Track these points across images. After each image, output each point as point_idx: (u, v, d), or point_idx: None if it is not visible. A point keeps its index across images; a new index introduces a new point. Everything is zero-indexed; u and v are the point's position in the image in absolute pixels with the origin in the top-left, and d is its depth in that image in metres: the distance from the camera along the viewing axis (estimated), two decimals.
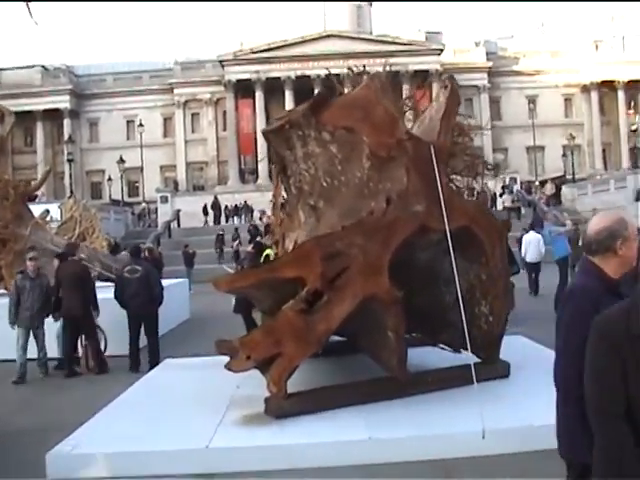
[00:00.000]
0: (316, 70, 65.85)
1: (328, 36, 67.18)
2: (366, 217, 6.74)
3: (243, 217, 52.30)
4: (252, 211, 53.34)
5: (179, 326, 16.75)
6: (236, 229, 40.05)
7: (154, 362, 11.11)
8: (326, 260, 6.24)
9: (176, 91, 70.75)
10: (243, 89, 67.68)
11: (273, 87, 66.96)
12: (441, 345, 8.04)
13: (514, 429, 5.87)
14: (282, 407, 6.37)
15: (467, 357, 7.61)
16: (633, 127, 59.66)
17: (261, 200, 56.53)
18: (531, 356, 8.32)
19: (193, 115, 72.16)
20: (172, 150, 70.79)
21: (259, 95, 67.62)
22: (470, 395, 6.50)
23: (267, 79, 67.02)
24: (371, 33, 69.64)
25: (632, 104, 66.15)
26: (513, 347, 8.26)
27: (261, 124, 66.72)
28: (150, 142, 66.63)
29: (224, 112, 70.61)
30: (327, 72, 61.38)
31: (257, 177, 66.94)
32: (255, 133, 66.79)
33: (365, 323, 6.63)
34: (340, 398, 6.73)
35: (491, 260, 7.11)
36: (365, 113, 7.07)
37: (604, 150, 69.41)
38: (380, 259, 6.38)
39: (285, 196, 8.82)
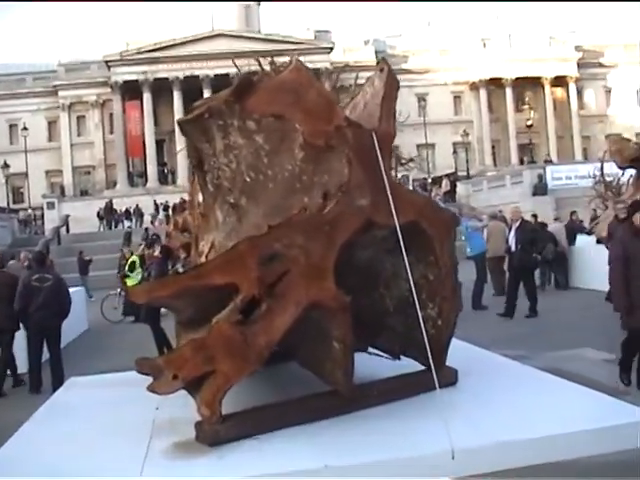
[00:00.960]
0: (205, 70, 64.98)
1: (216, 35, 66.31)
2: (305, 214, 5.99)
3: (135, 221, 50.79)
4: (142, 215, 51.95)
5: (78, 339, 15.58)
6: (146, 229, 38.56)
7: (58, 381, 10.03)
8: (263, 263, 5.47)
9: (61, 93, 68.24)
10: (130, 90, 65.89)
11: (161, 88, 65.48)
12: (375, 351, 7.38)
13: (483, 447, 5.25)
14: (217, 432, 5.56)
15: (408, 364, 6.99)
16: (529, 122, 61.29)
17: (150, 204, 55.52)
18: (470, 359, 7.77)
19: (79, 118, 69.78)
20: (58, 154, 68.20)
21: (147, 96, 66.02)
22: (425, 408, 5.86)
23: (155, 80, 65.49)
24: (259, 32, 68.92)
25: (526, 100, 67.98)
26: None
27: (149, 126, 65.36)
28: (35, 146, 64.04)
29: (111, 114, 68.65)
30: (215, 73, 60.41)
31: (146, 180, 65.34)
32: (143, 135, 65.35)
33: (305, 333, 5.90)
34: (284, 417, 5.98)
35: (440, 258, 6.50)
36: (296, 97, 6.34)
37: (493, 147, 71.08)
38: (324, 260, 5.66)
39: (200, 195, 7.96)
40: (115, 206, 52.69)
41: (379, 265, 6.80)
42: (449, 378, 7.27)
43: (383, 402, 6.43)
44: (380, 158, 6.22)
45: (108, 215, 50.86)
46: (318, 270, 5.67)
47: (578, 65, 75.23)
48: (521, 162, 61.05)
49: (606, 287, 17.32)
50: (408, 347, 7.10)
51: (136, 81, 65.11)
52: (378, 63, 7.61)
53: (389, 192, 6.06)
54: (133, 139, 66.12)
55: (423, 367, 7.06)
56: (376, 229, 6.20)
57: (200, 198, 8.08)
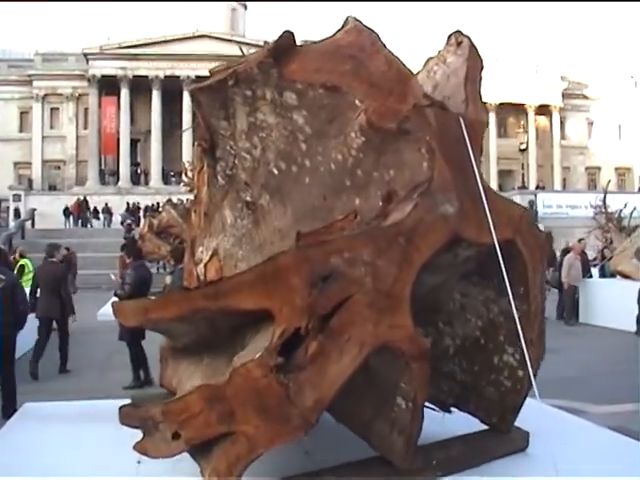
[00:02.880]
0: (186, 71, 63.38)
1: (200, 36, 64.70)
2: (374, 223, 4.43)
3: (104, 220, 48.96)
4: (112, 214, 50.15)
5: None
6: (129, 226, 36.44)
7: (10, 409, 8.22)
8: (315, 285, 3.86)
9: (35, 83, 66.02)
10: (108, 86, 64.02)
11: (140, 86, 63.68)
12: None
13: None
14: None
15: (457, 418, 5.43)
16: (522, 146, 61.17)
17: (121, 203, 53.51)
18: (528, 413, 6.13)
19: (52, 110, 67.60)
20: (28, 146, 65.92)
21: (125, 93, 64.17)
22: None
23: (134, 77, 63.64)
24: (245, 37, 67.35)
25: (521, 123, 67.54)
26: None
27: (125, 124, 63.57)
28: (4, 136, 61.96)
29: (86, 109, 66.58)
30: (197, 74, 58.93)
31: (118, 179, 63.42)
32: (118, 133, 63.48)
33: (358, 383, 4.26)
34: None
35: (531, 290, 4.91)
36: (357, 65, 4.80)
37: None
38: (398, 285, 4.08)
39: (205, 189, 6.30)
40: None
41: (444, 295, 5.19)
42: (520, 443, 5.70)
43: (444, 474, 4.85)
44: (471, 151, 4.65)
45: (82, 212, 48.97)
46: (390, 299, 4.04)
47: (562, 95, 74.76)
48: (500, 189, 59.93)
49: (620, 325, 16.13)
50: (468, 400, 5.52)
51: (114, 76, 63.21)
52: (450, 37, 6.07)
53: (484, 198, 4.49)
54: (107, 136, 64.08)
55: (484, 425, 5.50)
56: (462, 247, 4.61)
57: (204, 192, 6.43)
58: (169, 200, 24.35)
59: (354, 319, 3.88)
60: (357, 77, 4.75)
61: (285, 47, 4.93)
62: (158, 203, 47.95)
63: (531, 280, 4.93)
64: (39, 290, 11.84)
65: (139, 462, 4.96)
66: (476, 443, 5.19)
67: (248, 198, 5.87)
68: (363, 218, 4.78)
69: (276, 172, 5.47)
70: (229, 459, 3.85)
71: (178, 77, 63.47)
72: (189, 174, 25.72)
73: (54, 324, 12.04)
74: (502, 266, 4.37)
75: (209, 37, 64.60)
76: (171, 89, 63.04)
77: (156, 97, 64.35)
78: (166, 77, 63.77)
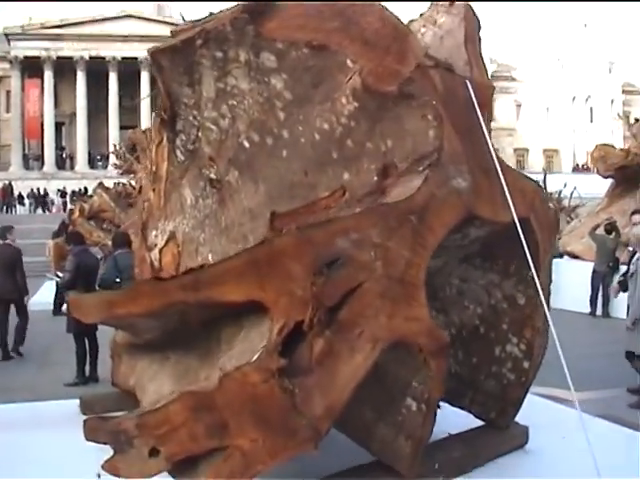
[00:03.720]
0: (112, 51, 61.64)
1: (126, 16, 62.85)
2: (367, 200, 3.90)
3: (30, 206, 47.27)
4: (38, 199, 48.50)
5: None
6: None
7: None
8: (320, 271, 3.28)
9: None
10: (31, 67, 61.77)
11: (64, 67, 61.70)
12: None
13: None
14: None
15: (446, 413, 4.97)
16: None
17: (46, 188, 51.74)
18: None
19: None
20: None
21: (48, 75, 62.02)
22: None
23: (58, 58, 61.47)
24: (172, 17, 65.75)
25: None
26: None
27: (49, 107, 61.59)
28: None
29: (8, 92, 64.03)
30: (123, 55, 57.32)
31: (43, 164, 61.34)
32: (42, 116, 61.43)
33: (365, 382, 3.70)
34: None
35: (540, 273, 4.41)
36: (347, 21, 4.24)
37: None
38: (412, 271, 3.55)
39: (165, 165, 5.64)
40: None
41: (441, 280, 4.65)
42: (519, 438, 5.22)
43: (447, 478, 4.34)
44: (481, 118, 4.13)
45: (7, 198, 47.12)
46: (403, 286, 3.46)
47: (491, 77, 75.19)
48: None
49: (573, 306, 15.86)
50: (462, 394, 5.03)
51: (38, 58, 61.02)
52: None
53: (499, 170, 3.97)
54: (31, 119, 61.87)
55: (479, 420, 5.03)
56: (474, 227, 4.07)
57: (164, 169, 5.75)
58: (100, 183, 23.31)
59: (365, 311, 3.33)
60: (347, 35, 4.17)
61: (262, 2, 4.33)
62: (85, 188, 46.52)
63: (542, 262, 4.44)
64: None
65: (99, 476, 4.35)
66: (476, 442, 4.72)
67: (212, 175, 5.26)
68: (353, 195, 4.23)
69: (247, 145, 4.86)
70: (221, 478, 3.26)
71: (104, 58, 61.73)
72: (121, 156, 24.73)
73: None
74: (525, 246, 3.86)
75: (136, 17, 62.90)
76: (96, 70, 61.23)
77: (81, 79, 62.39)
78: (91, 58, 61.86)
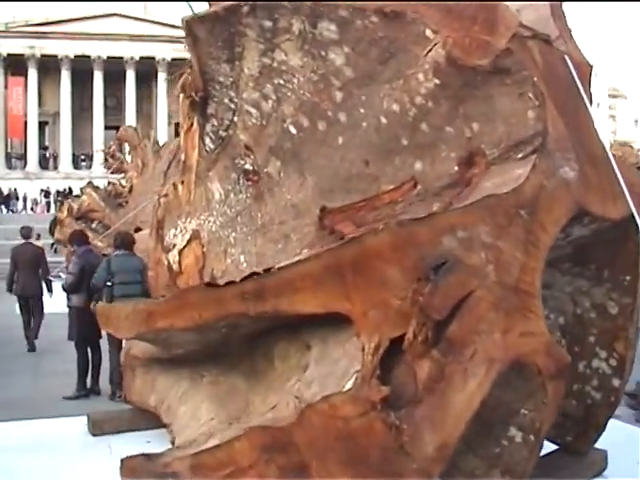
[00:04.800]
0: (97, 50, 60.68)
1: (112, 15, 61.86)
2: (447, 194, 3.31)
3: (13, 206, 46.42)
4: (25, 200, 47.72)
5: None
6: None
7: None
8: (425, 277, 2.66)
9: None
10: (14, 65, 60.62)
11: (49, 66, 60.58)
12: None
13: None
14: None
15: None
16: None
17: (30, 188, 50.68)
18: None
19: None
20: None
21: (32, 73, 60.85)
22: None
23: (42, 56, 60.35)
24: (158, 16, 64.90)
25: None
26: None
27: (32, 106, 60.60)
28: None
29: None
30: (109, 55, 56.50)
31: (26, 164, 60.29)
32: (25, 115, 60.37)
33: None
34: None
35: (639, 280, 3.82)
36: None
37: None
38: (527, 277, 2.97)
39: (196, 153, 5.00)
40: None
41: None
42: (598, 464, 4.60)
43: None
44: (586, 99, 3.53)
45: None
46: (518, 295, 2.81)
47: None
48: None
49: None
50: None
51: (22, 55, 59.84)
52: None
53: (612, 158, 3.38)
54: (14, 118, 60.63)
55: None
56: (582, 224, 3.46)
57: (195, 157, 5.10)
58: (90, 182, 22.55)
59: (478, 325, 2.72)
60: (426, 2, 3.57)
61: None
62: (70, 188, 45.66)
63: None
64: (17, 271, 12.01)
65: None
66: (552, 468, 4.11)
67: (248, 166, 4.67)
68: (426, 187, 3.64)
69: (294, 131, 4.28)
70: None
71: (89, 57, 60.63)
72: (112, 155, 23.98)
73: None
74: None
75: (121, 16, 61.89)
76: (81, 69, 60.16)
77: (66, 77, 61.28)
78: (76, 57, 60.74)
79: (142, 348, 4.70)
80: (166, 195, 5.94)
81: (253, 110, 4.44)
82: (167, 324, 3.39)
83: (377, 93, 3.80)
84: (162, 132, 51.34)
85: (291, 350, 3.38)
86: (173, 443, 3.81)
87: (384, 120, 3.80)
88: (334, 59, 3.89)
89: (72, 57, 61.18)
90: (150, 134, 22.68)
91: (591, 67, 3.87)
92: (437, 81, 3.51)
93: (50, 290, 12.29)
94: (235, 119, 4.61)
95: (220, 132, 4.78)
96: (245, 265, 4.76)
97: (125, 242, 8.14)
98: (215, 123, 4.77)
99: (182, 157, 5.05)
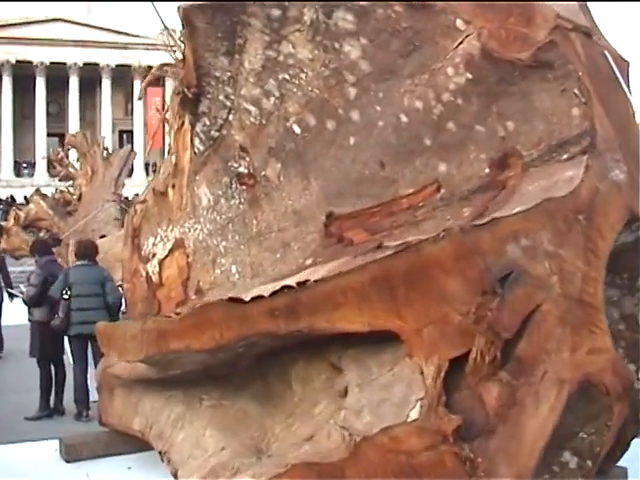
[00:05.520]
0: (40, 56, 59.46)
1: (55, 20, 60.67)
2: (477, 198, 3.04)
3: None
4: None
5: None
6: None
7: None
8: (493, 290, 2.36)
9: None
10: None
11: None
12: None
13: None
14: None
15: None
16: None
17: None
18: None
19: None
20: None
21: None
22: None
23: None
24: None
25: None
26: None
27: None
28: None
29: None
30: (52, 60, 55.35)
31: None
32: None
33: None
34: None
35: None
36: None
37: None
38: (590, 287, 2.71)
39: (187, 154, 4.64)
40: None
41: None
42: None
43: None
44: (629, 95, 3.28)
45: None
46: (583, 308, 2.54)
47: None
48: None
49: None
50: None
51: None
52: None
53: None
54: None
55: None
56: (630, 231, 3.20)
57: (187, 159, 4.71)
58: (37, 190, 21.78)
59: (547, 343, 2.44)
60: None
61: None
62: (12, 196, 44.44)
63: None
64: None
65: None
66: None
67: (242, 169, 4.35)
68: (452, 191, 3.37)
69: (298, 131, 3.97)
70: None
71: (31, 62, 59.32)
72: (59, 162, 23.22)
73: None
74: None
75: (65, 21, 60.73)
76: (23, 75, 58.80)
77: (7, 83, 59.82)
78: (18, 62, 59.38)
79: (126, 367, 4.30)
80: (144, 201, 5.56)
81: (252, 108, 4.11)
82: (182, 345, 3.04)
83: (397, 89, 3.52)
84: (106, 140, 50.33)
85: (312, 371, 3.06)
86: (175, 475, 3.43)
87: (404, 118, 3.51)
88: (349, 52, 3.59)
89: (13, 62, 59.81)
90: (99, 140, 22.03)
91: (628, 62, 3.65)
92: (469, 75, 3.24)
93: (11, 295, 11.57)
94: (230, 118, 4.28)
95: (212, 132, 4.44)
96: (237, 276, 4.43)
97: (87, 251, 7.63)
98: (207, 122, 4.43)
99: (172, 159, 4.67)
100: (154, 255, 5.27)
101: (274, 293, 2.90)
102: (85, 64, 59.49)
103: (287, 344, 3.15)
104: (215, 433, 3.31)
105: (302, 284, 2.82)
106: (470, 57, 3.21)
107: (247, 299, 2.98)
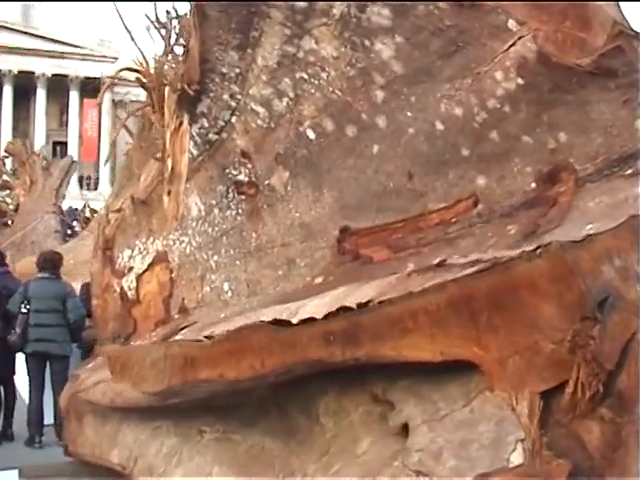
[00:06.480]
0: None
1: None
2: (522, 215, 2.80)
3: None
4: None
5: None
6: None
7: None
8: (593, 316, 2.08)
9: None
10: None
11: None
12: None
13: None
14: None
15: None
16: None
17: None
18: None
19: None
20: None
21: None
22: None
23: None
24: (39, 29, 62.49)
25: None
26: None
27: None
28: None
29: None
30: None
31: None
32: None
33: None
34: None
35: None
36: None
37: None
38: None
39: (185, 158, 4.28)
40: None
41: None
42: None
43: None
44: None
45: None
46: None
47: None
48: None
49: None
50: None
51: None
52: None
53: None
54: None
55: None
56: None
57: (183, 164, 4.31)
58: None
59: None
60: None
61: None
62: None
63: None
64: None
65: None
66: None
67: (242, 177, 4.02)
68: (491, 206, 3.11)
69: (312, 136, 3.66)
70: None
71: None
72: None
73: None
74: None
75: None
76: None
77: None
78: None
79: (106, 393, 3.88)
80: (119, 210, 5.16)
81: (261, 109, 3.79)
82: (215, 374, 2.67)
83: (433, 93, 3.24)
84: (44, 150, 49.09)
85: (346, 404, 2.72)
86: None
87: (440, 126, 3.23)
88: (380, 50, 3.30)
89: None
90: (40, 150, 21.33)
91: None
92: (520, 81, 2.98)
93: None
94: (233, 120, 3.95)
95: (210, 135, 4.10)
96: (230, 294, 4.08)
97: (48, 264, 7.15)
98: (205, 124, 4.08)
99: (168, 163, 4.29)
100: (131, 269, 4.89)
101: (328, 315, 2.56)
102: (20, 72, 58.03)
103: (318, 371, 2.81)
104: (224, 470, 2.94)
105: (363, 305, 2.49)
106: (523, 61, 2.95)
107: (295, 321, 2.63)
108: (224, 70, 3.78)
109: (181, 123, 4.07)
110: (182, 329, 4.05)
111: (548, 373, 2.08)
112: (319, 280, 3.53)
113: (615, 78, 2.86)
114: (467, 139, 3.17)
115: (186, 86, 3.91)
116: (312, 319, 2.56)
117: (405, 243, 3.33)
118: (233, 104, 3.88)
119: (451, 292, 2.24)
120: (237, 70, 3.74)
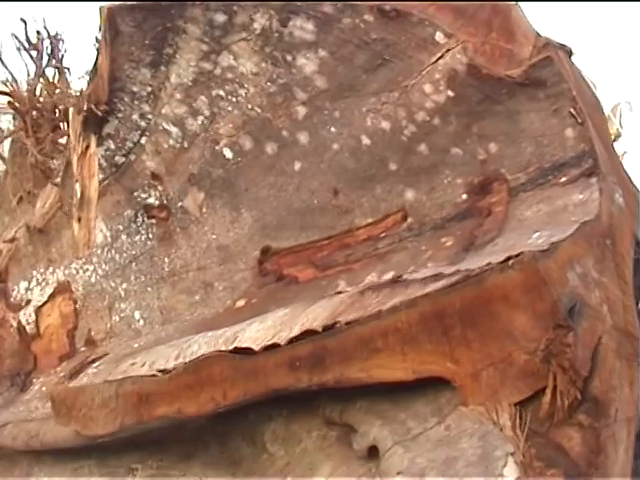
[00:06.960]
0: None
1: None
2: (454, 227, 2.80)
3: None
4: None
5: None
6: None
7: None
8: (566, 324, 2.06)
9: None
10: None
11: None
12: None
13: None
14: None
15: None
16: None
17: None
18: None
19: None
20: None
21: None
22: None
23: None
24: None
25: None
26: None
27: None
28: None
29: None
30: None
31: None
32: None
33: None
34: None
35: None
36: None
37: None
38: (630, 316, 2.49)
39: (94, 182, 4.05)
40: None
41: None
42: None
43: None
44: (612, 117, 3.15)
45: None
46: (629, 340, 2.32)
47: None
48: None
49: None
50: None
51: None
52: None
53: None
54: None
55: None
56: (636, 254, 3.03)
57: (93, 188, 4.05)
58: None
59: (612, 379, 2.16)
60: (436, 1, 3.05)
61: None
62: None
63: None
64: None
65: None
66: None
67: (152, 200, 3.86)
68: (421, 220, 3.10)
69: (229, 155, 3.56)
70: None
71: None
72: None
73: None
74: None
75: None
76: None
77: None
78: None
79: (20, 434, 3.59)
80: (13, 240, 4.84)
81: (173, 129, 3.65)
82: (173, 410, 2.49)
83: (358, 108, 3.20)
84: None
85: (296, 430, 2.60)
86: None
87: (366, 140, 3.19)
88: (303, 65, 3.24)
89: None
90: None
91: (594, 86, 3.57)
92: (451, 93, 2.98)
93: None
94: (143, 140, 3.78)
95: (116, 158, 3.90)
96: (142, 323, 3.88)
97: None
98: (112, 146, 3.89)
99: (77, 188, 4.05)
100: (28, 302, 4.59)
101: (293, 340, 2.42)
102: None
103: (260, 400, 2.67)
104: None
105: (329, 327, 2.37)
106: (454, 73, 2.96)
107: (257, 349, 2.48)
108: (135, 89, 3.62)
109: (88, 146, 3.85)
110: (92, 362, 3.83)
111: (522, 383, 2.05)
112: (241, 303, 3.42)
113: (544, 88, 2.90)
114: (395, 153, 3.14)
115: (93, 107, 3.70)
116: (275, 345, 2.43)
117: (332, 261, 3.26)
118: (143, 124, 3.71)
119: (423, 308, 2.17)
120: (149, 88, 3.59)
